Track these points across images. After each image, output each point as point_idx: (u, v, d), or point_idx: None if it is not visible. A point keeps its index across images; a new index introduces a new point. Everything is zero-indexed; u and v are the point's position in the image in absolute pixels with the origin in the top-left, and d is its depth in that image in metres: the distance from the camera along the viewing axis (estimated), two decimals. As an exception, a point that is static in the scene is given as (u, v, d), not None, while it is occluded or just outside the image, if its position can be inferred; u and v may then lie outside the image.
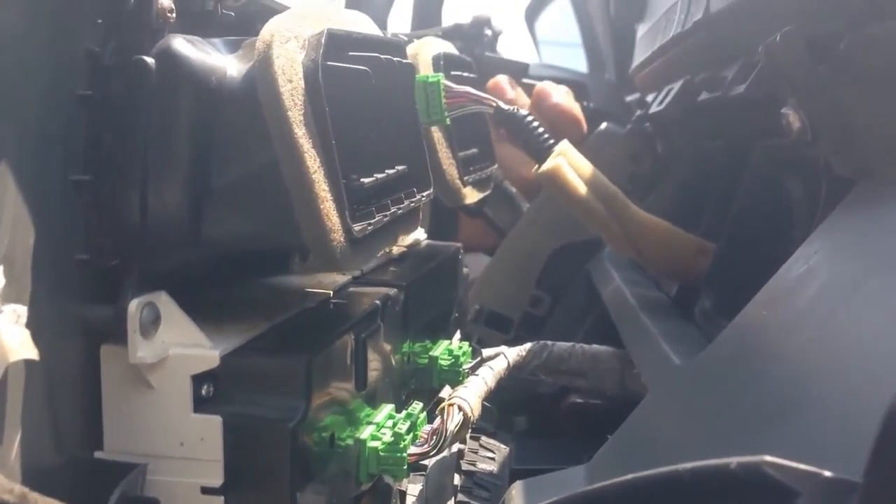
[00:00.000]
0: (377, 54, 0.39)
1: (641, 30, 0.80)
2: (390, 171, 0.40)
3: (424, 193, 0.44)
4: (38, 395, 0.32)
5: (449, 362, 0.57)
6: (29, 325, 0.29)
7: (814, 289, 0.34)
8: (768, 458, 0.20)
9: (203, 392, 0.35)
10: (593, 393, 0.61)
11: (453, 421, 0.47)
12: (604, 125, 0.82)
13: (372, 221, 0.36)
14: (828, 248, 0.36)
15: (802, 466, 0.20)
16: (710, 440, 0.32)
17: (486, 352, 0.58)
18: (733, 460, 0.21)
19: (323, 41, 0.34)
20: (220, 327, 0.37)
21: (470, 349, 0.62)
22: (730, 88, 0.47)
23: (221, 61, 0.35)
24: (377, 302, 0.44)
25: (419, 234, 0.62)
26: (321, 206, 0.33)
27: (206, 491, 0.34)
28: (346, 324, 0.40)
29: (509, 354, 0.56)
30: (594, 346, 0.59)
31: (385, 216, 0.38)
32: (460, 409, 0.47)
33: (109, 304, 0.33)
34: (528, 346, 0.57)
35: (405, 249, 0.58)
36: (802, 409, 0.28)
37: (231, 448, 0.34)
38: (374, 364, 0.42)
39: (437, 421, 0.46)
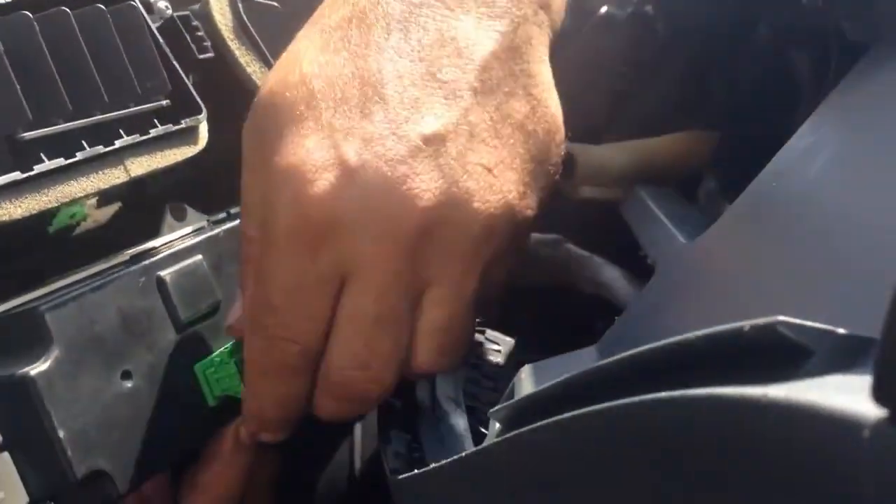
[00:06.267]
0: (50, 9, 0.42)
1: None
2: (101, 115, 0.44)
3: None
4: None
5: None
6: None
7: (824, 159, 0.33)
8: (782, 318, 0.20)
9: None
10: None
11: None
12: (603, 9, 0.80)
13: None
14: (837, 117, 0.35)
15: (818, 325, 0.20)
16: (720, 314, 0.31)
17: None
18: (746, 323, 0.21)
19: None
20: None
21: None
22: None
23: None
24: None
25: None
26: None
27: None
28: (123, 269, 0.43)
29: None
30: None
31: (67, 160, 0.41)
32: None
33: None
34: None
35: None
36: (816, 278, 0.28)
37: None
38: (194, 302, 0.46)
39: None
